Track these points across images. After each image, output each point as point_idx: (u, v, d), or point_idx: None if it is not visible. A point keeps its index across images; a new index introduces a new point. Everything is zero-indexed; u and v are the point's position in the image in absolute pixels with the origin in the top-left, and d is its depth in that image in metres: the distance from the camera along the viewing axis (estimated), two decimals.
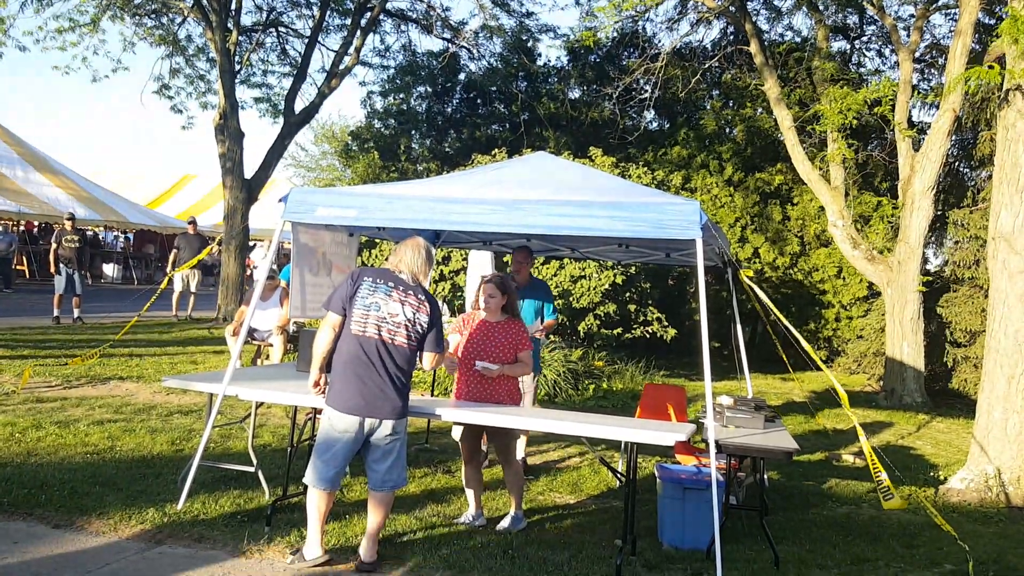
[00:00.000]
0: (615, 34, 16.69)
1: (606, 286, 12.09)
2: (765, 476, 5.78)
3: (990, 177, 10.15)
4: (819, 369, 6.02)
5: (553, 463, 7.24)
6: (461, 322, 5.39)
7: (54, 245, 14.02)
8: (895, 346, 12.44)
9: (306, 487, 4.48)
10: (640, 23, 16.44)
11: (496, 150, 13.71)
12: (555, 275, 12.13)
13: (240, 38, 16.56)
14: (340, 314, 4.47)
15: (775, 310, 5.75)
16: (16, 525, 4.66)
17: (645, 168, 14.13)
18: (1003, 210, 6.91)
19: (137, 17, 16.46)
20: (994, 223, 7.03)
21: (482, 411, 4.92)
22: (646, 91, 16.08)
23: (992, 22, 12.97)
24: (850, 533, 5.64)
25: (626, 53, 18.03)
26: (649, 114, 18.47)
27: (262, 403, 6.17)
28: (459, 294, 12.26)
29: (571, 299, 12.08)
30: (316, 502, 4.41)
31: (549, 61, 19.42)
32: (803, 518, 5.98)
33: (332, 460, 4.40)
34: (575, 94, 18.54)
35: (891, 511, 6.07)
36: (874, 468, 5.09)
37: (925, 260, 13.45)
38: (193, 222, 16.32)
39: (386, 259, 14.21)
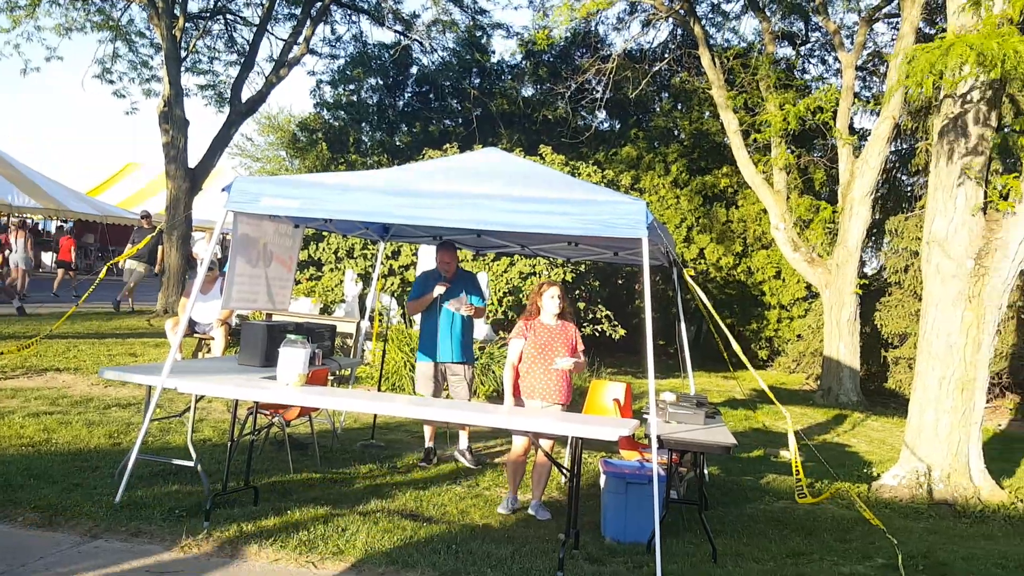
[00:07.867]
0: (568, 34, 16.77)
1: None
2: (705, 471, 5.89)
3: (926, 185, 10.48)
4: (758, 368, 6.13)
5: (500, 458, 7.26)
6: (524, 327, 5.58)
7: None
8: (832, 346, 12.76)
9: (246, 482, 4.29)
10: (592, 23, 16.56)
11: (448, 145, 13.65)
12: (505, 271, 12.14)
13: (187, 24, 16.21)
14: None
15: (712, 309, 5.88)
16: None
17: (595, 167, 14.22)
18: (937, 215, 7.12)
19: (79, 2, 15.95)
20: (928, 228, 7.25)
21: (422, 407, 4.91)
22: (598, 91, 16.21)
23: (932, 31, 13.37)
24: (786, 527, 5.78)
25: (579, 53, 18.14)
26: (601, 114, 18.62)
27: (202, 397, 6.06)
28: (408, 289, 12.17)
29: (521, 296, 12.11)
30: None
31: (503, 59, 19.45)
32: (741, 512, 6.11)
33: None
34: (528, 92, 18.59)
35: (825, 506, 6.25)
36: (795, 471, 5.26)
37: (863, 264, 13.82)
38: (147, 216, 15.84)
39: (334, 252, 13.87)
